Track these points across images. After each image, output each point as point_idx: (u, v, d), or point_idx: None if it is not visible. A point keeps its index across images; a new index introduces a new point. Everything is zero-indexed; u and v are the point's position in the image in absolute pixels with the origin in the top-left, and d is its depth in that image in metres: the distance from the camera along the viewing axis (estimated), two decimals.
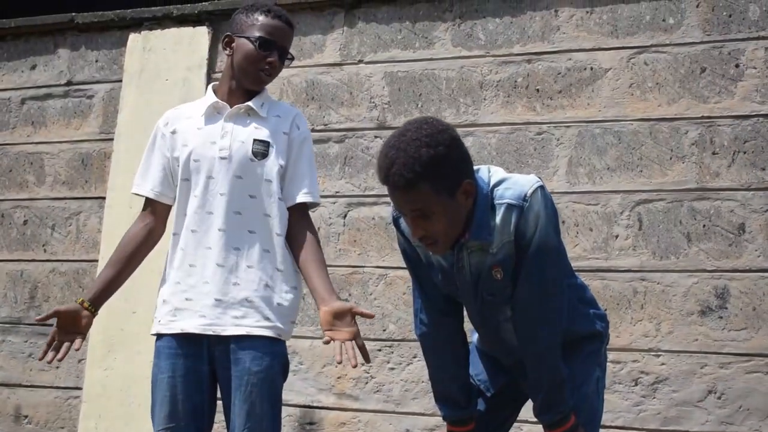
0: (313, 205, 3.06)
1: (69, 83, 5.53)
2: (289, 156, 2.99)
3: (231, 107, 2.99)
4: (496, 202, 2.47)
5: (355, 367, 2.67)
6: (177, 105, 3.20)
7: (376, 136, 4.83)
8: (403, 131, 2.44)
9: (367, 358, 2.73)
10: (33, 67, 5.64)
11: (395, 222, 2.70)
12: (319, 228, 4.73)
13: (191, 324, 2.87)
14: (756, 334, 4.13)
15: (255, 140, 2.94)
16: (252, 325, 2.85)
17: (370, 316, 2.77)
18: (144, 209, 3.08)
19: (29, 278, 5.37)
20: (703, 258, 4.24)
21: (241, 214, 2.91)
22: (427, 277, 2.70)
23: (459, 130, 4.68)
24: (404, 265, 2.79)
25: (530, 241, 2.46)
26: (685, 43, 4.42)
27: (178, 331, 2.88)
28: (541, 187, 2.49)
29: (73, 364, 5.16)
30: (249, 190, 2.92)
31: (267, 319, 2.86)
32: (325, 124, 4.89)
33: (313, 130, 4.51)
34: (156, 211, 3.04)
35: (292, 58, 3.07)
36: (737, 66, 4.33)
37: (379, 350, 4.63)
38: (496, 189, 2.49)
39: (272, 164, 2.95)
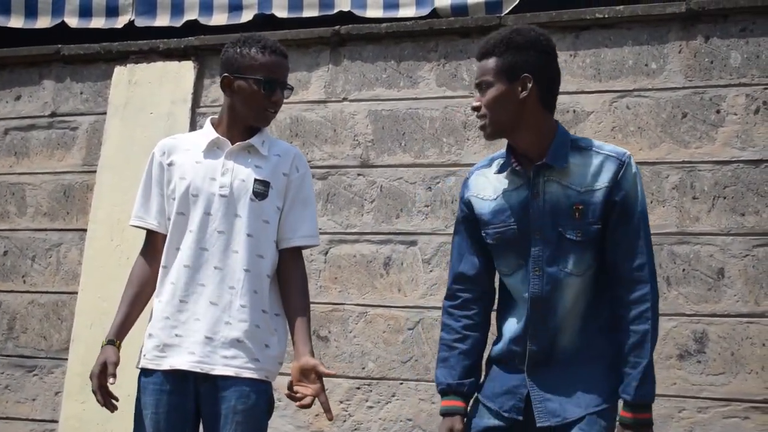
0: (311, 246, 3.08)
1: (53, 114, 5.52)
2: (286, 198, 2.99)
3: (232, 143, 2.98)
4: (593, 149, 2.68)
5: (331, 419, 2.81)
6: (161, 138, 3.18)
7: (359, 174, 4.84)
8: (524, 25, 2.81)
9: (329, 415, 2.78)
10: (17, 98, 5.63)
11: (465, 181, 2.92)
12: None
13: (180, 360, 2.86)
14: (734, 378, 4.14)
15: (256, 180, 2.93)
16: (241, 366, 2.85)
17: (331, 376, 2.88)
18: (147, 242, 3.06)
19: (8, 309, 5.33)
20: (682, 302, 4.25)
21: (237, 253, 2.90)
22: (477, 240, 2.81)
23: (442, 170, 4.73)
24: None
25: (630, 200, 2.64)
26: (667, 88, 4.47)
27: (167, 368, 2.87)
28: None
29: (50, 397, 5.12)
30: (247, 229, 2.91)
31: (256, 360, 2.87)
32: (309, 161, 4.88)
33: None
34: (158, 243, 3.01)
35: (292, 89, 3.07)
36: (718, 112, 4.37)
37: (358, 388, 4.61)
38: (586, 140, 2.75)
39: (270, 205, 2.95)
